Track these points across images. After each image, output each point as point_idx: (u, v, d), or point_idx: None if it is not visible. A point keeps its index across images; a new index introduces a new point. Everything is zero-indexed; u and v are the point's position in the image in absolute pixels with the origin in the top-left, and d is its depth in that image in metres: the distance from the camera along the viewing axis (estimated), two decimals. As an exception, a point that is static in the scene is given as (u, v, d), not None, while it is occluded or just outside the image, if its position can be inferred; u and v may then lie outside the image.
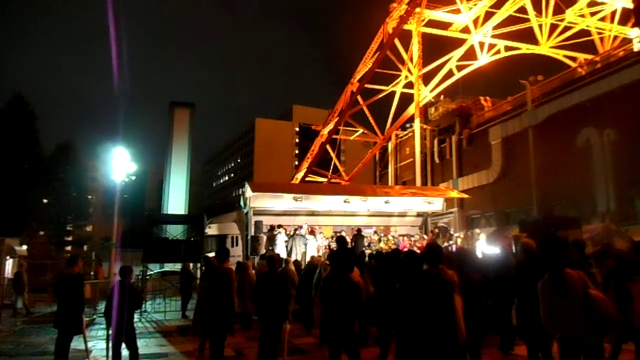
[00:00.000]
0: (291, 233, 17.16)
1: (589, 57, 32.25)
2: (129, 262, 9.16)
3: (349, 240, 16.22)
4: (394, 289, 4.99)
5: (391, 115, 36.13)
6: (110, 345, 6.79)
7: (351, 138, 41.23)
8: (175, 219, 25.12)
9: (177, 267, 18.18)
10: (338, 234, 18.03)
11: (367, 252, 14.84)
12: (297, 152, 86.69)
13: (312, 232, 17.61)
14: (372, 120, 36.48)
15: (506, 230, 23.78)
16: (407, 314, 4.43)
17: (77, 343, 7.57)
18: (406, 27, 34.81)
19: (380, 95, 36.13)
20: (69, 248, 45.89)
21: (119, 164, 18.46)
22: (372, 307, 7.07)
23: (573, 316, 4.21)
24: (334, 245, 17.52)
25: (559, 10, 32.69)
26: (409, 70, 34.76)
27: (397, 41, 34.91)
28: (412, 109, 34.63)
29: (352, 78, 37.76)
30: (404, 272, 5.30)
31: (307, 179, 37.53)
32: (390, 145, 39.22)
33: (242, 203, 21.27)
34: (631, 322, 5.59)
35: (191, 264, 16.11)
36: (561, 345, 4.45)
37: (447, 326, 4.19)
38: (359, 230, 17.92)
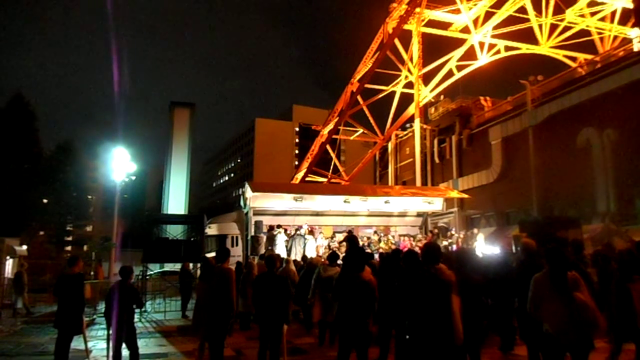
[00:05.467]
0: (291, 233, 17.15)
1: (589, 57, 32.27)
2: (129, 262, 9.14)
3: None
4: (395, 288, 4.99)
5: (391, 115, 36.17)
6: (110, 345, 6.79)
7: (351, 138, 41.23)
8: (175, 219, 25.05)
9: (177, 267, 18.17)
10: (344, 234, 18.11)
11: (367, 252, 14.83)
12: (297, 152, 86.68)
13: (312, 232, 17.60)
14: (372, 120, 36.54)
15: (506, 230, 23.79)
16: (405, 313, 4.43)
17: (77, 343, 7.56)
18: (406, 27, 34.82)
19: (380, 95, 36.15)
20: (69, 248, 45.91)
21: (119, 164, 18.45)
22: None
23: (559, 313, 4.41)
24: (334, 245, 17.56)
25: (559, 10, 32.72)
26: (409, 70, 34.76)
27: (397, 41, 34.93)
28: (412, 109, 34.64)
29: (352, 78, 37.77)
30: (403, 272, 5.30)
31: (307, 179, 37.54)
32: (390, 145, 39.23)
33: (242, 203, 21.26)
34: (631, 321, 5.59)
35: (191, 264, 16.10)
36: (546, 341, 4.58)
37: (444, 326, 4.20)
38: (350, 232, 17.95)
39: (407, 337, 4.37)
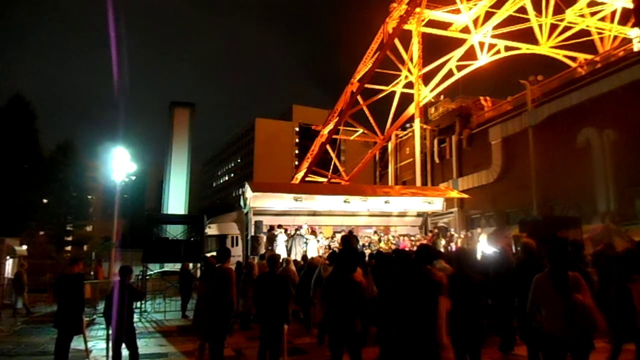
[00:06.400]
0: (291, 233, 17.16)
1: (589, 57, 32.25)
2: (129, 262, 9.17)
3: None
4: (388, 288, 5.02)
5: (391, 115, 36.17)
6: (110, 345, 6.79)
7: (351, 138, 41.23)
8: (175, 219, 25.09)
9: (177, 267, 18.20)
10: (341, 234, 18.11)
11: (367, 252, 14.84)
12: (297, 152, 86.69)
13: (312, 232, 17.61)
14: (372, 120, 36.53)
15: (506, 230, 23.77)
16: (394, 312, 4.44)
17: (77, 343, 7.57)
18: (406, 27, 34.81)
19: (380, 95, 36.14)
20: (69, 248, 45.94)
21: (119, 164, 18.41)
22: (372, 307, 7.07)
23: (559, 314, 4.41)
24: (334, 245, 17.56)
25: (559, 10, 32.71)
26: (409, 70, 34.76)
27: (397, 41, 34.92)
28: (412, 109, 34.63)
29: (352, 78, 37.76)
30: (396, 271, 5.32)
31: (307, 179, 37.53)
32: (390, 145, 39.22)
33: (242, 203, 21.28)
34: (631, 321, 5.59)
35: (190, 264, 16.12)
36: (546, 341, 4.58)
37: (428, 327, 4.21)
38: (350, 232, 17.98)
39: (393, 332, 4.39)
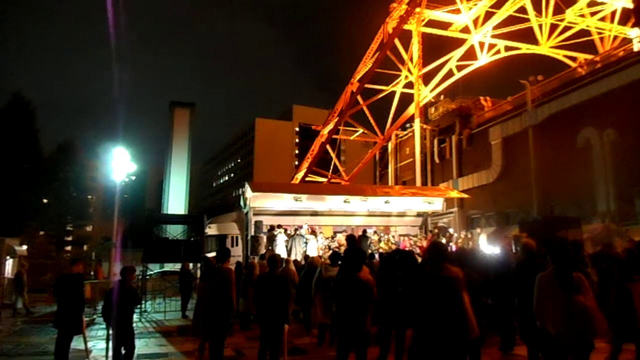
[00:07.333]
0: (291, 233, 17.15)
1: (589, 57, 32.26)
2: (129, 262, 9.16)
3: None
4: (396, 291, 4.96)
5: (391, 115, 36.14)
6: (110, 345, 6.79)
7: (351, 138, 41.21)
8: (175, 219, 25.06)
9: (177, 267, 18.20)
10: (344, 234, 18.11)
11: (368, 252, 14.82)
12: (297, 152, 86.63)
13: (312, 232, 17.61)
14: (372, 120, 36.50)
15: (506, 230, 23.77)
16: (416, 316, 4.31)
17: (77, 343, 7.57)
18: (406, 27, 34.79)
19: (380, 95, 36.13)
20: (69, 248, 45.98)
21: (119, 164, 18.42)
22: (372, 307, 7.07)
23: (560, 313, 4.41)
24: (334, 245, 17.56)
25: (559, 10, 32.71)
26: (409, 70, 34.75)
27: (397, 41, 34.90)
28: (412, 109, 34.62)
29: (352, 78, 37.75)
30: (403, 274, 5.26)
31: (307, 179, 37.51)
32: (390, 145, 39.22)
33: (242, 203, 21.27)
34: (631, 321, 5.59)
35: (190, 264, 16.10)
36: (546, 341, 4.58)
37: (459, 323, 4.11)
38: (364, 231, 17.99)
39: (417, 334, 4.24)
